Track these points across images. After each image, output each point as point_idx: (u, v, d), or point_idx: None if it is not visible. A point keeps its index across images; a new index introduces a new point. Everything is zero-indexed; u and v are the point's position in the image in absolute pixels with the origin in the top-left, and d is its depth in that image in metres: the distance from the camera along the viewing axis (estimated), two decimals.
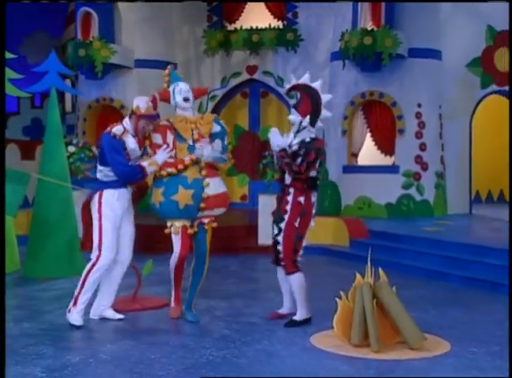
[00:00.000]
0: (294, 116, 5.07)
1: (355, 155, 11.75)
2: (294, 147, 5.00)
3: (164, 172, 5.02)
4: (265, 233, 9.33)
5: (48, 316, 5.32)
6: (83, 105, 12.54)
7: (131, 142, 5.04)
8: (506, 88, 11.80)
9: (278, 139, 5.09)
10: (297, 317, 5.08)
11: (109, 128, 5.11)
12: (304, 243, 5.09)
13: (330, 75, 11.66)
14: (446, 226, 9.75)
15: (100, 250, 4.98)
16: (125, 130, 5.05)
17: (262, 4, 12.47)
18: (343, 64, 10.96)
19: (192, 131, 5.13)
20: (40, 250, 7.09)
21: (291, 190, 5.00)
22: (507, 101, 12.20)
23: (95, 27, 11.54)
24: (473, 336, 4.73)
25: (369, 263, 4.61)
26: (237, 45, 12.32)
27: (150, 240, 8.30)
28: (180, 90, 5.22)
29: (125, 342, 4.54)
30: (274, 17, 12.38)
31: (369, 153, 11.66)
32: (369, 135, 11.64)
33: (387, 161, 11.46)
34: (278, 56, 12.31)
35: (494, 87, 11.74)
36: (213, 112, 12.84)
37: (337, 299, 4.59)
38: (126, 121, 5.11)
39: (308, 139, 5.02)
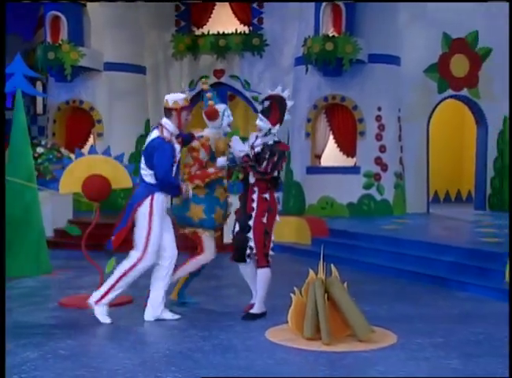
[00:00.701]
0: (263, 123, 5.15)
1: (318, 157, 11.88)
2: (258, 149, 5.11)
3: (193, 185, 5.33)
4: (231, 232, 9.37)
5: (11, 313, 5.28)
6: (53, 107, 12.46)
7: (177, 148, 5.08)
8: (462, 93, 12.07)
9: (240, 146, 5.20)
10: (255, 310, 5.15)
11: (156, 132, 5.01)
12: (272, 238, 5.24)
13: (294, 79, 11.77)
14: (403, 224, 9.92)
15: (144, 252, 4.96)
16: (171, 134, 5.01)
17: (229, 9, 12.53)
18: (306, 69, 11.08)
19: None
20: (7, 249, 7.01)
21: (256, 188, 5.12)
22: (463, 105, 12.47)
23: (64, 31, 11.48)
24: (419, 329, 4.84)
25: (321, 260, 4.70)
26: (204, 49, 12.38)
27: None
28: (228, 115, 5.62)
29: (85, 338, 4.55)
30: (240, 23, 12.46)
31: (331, 154, 11.81)
32: (331, 137, 11.79)
33: (349, 162, 11.61)
34: (244, 60, 12.40)
35: (450, 92, 12.00)
36: None
37: (291, 295, 4.66)
38: (167, 123, 5.03)
39: (271, 142, 5.14)
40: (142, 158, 5.06)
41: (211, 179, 5.38)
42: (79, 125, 12.25)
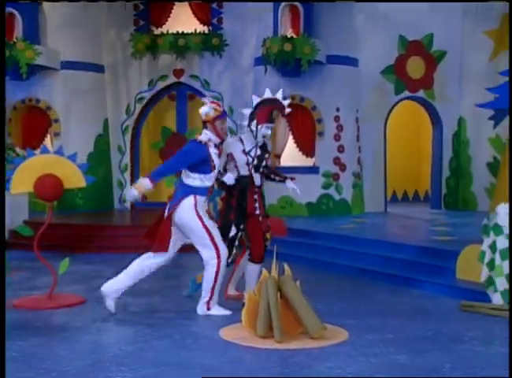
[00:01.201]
0: (269, 132, 5.50)
1: (278, 156, 11.94)
2: (259, 151, 5.50)
3: None
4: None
5: None
6: (8, 106, 12.21)
7: (213, 152, 5.21)
8: (418, 94, 12.30)
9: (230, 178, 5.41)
10: None
11: (196, 135, 5.28)
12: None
13: (254, 79, 11.83)
14: (361, 224, 10.06)
15: (218, 248, 5.13)
16: (209, 139, 5.21)
17: (188, 9, 12.50)
18: (265, 70, 11.14)
19: None
20: None
21: (257, 189, 5.48)
22: (419, 106, 12.71)
23: (19, 28, 11.28)
24: (370, 326, 4.93)
25: (274, 259, 4.75)
26: (164, 48, 12.31)
27: (69, 239, 8.22)
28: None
29: (36, 339, 4.50)
30: (200, 22, 12.43)
31: (291, 154, 11.88)
32: (291, 137, 11.87)
33: (308, 162, 11.72)
34: (204, 60, 12.38)
35: (406, 93, 12.22)
36: (140, 113, 12.82)
37: (245, 293, 4.70)
38: (206, 133, 5.26)
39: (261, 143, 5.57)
40: None
41: None
42: (36, 124, 12.04)
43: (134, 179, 12.91)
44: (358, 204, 11.84)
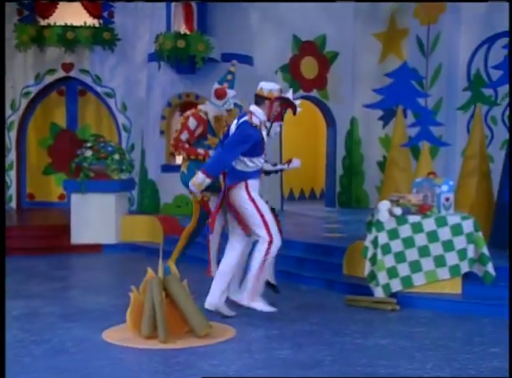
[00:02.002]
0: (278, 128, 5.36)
1: (173, 155, 11.89)
2: None
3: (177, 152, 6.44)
4: (78, 232, 9.17)
5: None
6: None
7: (264, 134, 5.09)
8: (312, 94, 12.66)
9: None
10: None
11: (248, 117, 4.98)
12: None
13: (148, 76, 11.70)
14: None
15: (270, 234, 4.99)
16: (261, 122, 5.01)
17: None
18: (159, 66, 11.07)
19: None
20: None
21: None
22: (314, 106, 13.09)
23: None
24: (257, 323, 5.02)
25: (160, 258, 4.74)
26: (51, 41, 11.87)
27: None
28: (230, 104, 6.45)
29: None
30: (90, 15, 12.12)
31: None
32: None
33: None
34: (95, 54, 12.06)
35: (301, 93, 12.53)
36: (27, 108, 12.33)
37: (130, 293, 4.66)
38: (257, 110, 5.00)
39: None
40: None
41: (197, 158, 6.18)
42: None
43: (20, 178, 12.42)
44: None
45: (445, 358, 4.12)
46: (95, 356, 4.16)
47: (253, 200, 5.04)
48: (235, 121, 5.13)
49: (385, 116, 12.06)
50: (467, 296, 5.59)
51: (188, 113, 6.44)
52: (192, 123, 6.32)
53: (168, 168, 11.65)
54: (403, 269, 5.63)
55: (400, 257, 5.62)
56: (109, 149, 9.20)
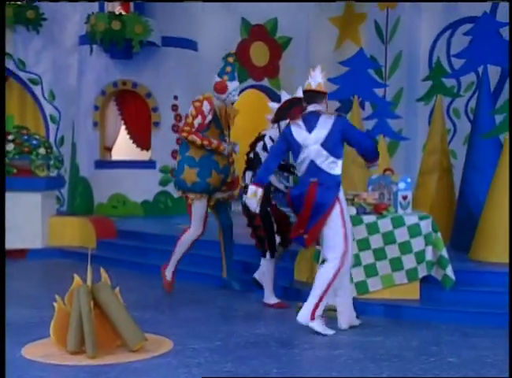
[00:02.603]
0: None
1: (109, 149, 11.78)
2: None
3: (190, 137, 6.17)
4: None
5: None
6: None
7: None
8: (262, 83, 12.69)
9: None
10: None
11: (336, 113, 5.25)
12: None
13: (79, 60, 11.56)
14: None
15: (346, 254, 5.03)
16: None
17: None
18: (91, 50, 10.93)
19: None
20: None
21: None
22: (263, 95, 13.12)
23: None
24: (199, 333, 5.03)
25: (89, 264, 4.67)
26: None
27: None
28: (234, 95, 6.44)
29: None
30: None
31: (123, 147, 11.78)
32: (123, 127, 11.75)
33: (144, 155, 11.68)
34: (17, 35, 11.76)
35: (251, 82, 12.56)
36: None
37: (54, 304, 4.58)
38: (320, 105, 5.14)
39: None
40: (323, 150, 4.97)
41: (210, 147, 6.19)
42: None
43: None
44: None
45: (400, 369, 4.20)
46: (11, 374, 4.07)
47: (342, 213, 5.10)
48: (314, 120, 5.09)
49: (342, 107, 12.17)
50: (425, 302, 5.71)
51: (201, 97, 6.29)
52: (206, 108, 6.22)
53: (103, 164, 11.54)
54: (358, 274, 5.69)
55: (355, 261, 5.69)
56: (34, 142, 9.03)
